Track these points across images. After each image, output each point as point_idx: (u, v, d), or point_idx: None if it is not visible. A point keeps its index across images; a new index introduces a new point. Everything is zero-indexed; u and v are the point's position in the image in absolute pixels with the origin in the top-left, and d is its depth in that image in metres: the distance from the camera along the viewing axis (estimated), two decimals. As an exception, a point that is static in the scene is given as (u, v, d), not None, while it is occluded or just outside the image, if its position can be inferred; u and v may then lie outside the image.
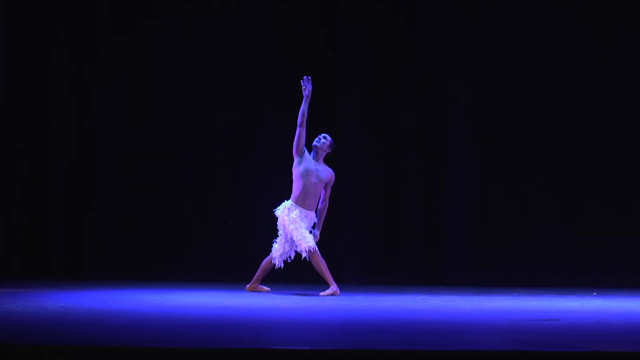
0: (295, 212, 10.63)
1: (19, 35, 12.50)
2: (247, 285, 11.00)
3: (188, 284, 11.77)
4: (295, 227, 10.57)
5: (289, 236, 10.64)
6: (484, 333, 7.60)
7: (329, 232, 11.77)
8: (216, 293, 10.81)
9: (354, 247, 12.40)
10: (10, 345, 6.47)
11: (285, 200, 10.73)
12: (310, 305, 9.63)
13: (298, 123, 10.56)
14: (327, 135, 10.79)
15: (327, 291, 10.54)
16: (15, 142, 12.53)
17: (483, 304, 9.93)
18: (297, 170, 10.62)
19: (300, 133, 10.57)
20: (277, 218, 10.73)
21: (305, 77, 10.56)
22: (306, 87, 10.54)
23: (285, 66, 12.44)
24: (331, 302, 9.93)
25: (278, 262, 10.75)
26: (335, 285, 10.57)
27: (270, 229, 10.90)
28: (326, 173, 10.76)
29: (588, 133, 12.16)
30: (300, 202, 10.66)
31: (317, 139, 10.76)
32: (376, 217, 12.39)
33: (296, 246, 10.64)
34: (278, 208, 10.74)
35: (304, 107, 10.56)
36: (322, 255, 10.59)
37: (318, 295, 10.52)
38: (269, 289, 10.95)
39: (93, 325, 7.87)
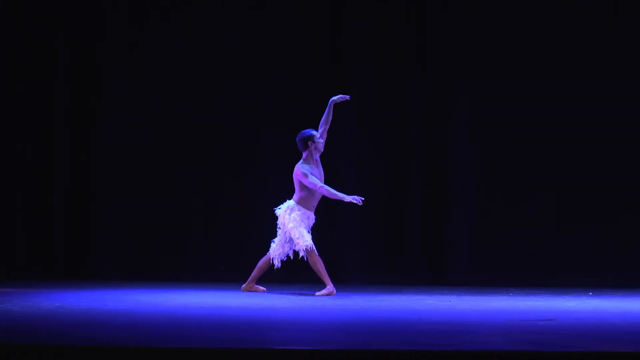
0: (297, 213, 10.63)
1: (19, 35, 12.49)
2: (243, 285, 11.00)
3: (185, 283, 11.76)
4: (294, 225, 10.58)
5: (288, 235, 10.65)
6: (483, 333, 7.61)
7: (329, 232, 11.79)
8: (213, 293, 10.81)
9: (353, 247, 12.40)
10: (5, 345, 6.47)
11: (288, 200, 10.74)
12: (307, 305, 9.64)
13: (320, 186, 10.51)
14: (314, 132, 10.73)
15: (323, 291, 10.55)
16: (17, 143, 12.53)
17: (481, 304, 9.94)
18: (305, 180, 10.58)
19: (316, 189, 10.56)
20: (277, 217, 10.73)
21: (360, 199, 10.42)
22: (352, 200, 10.40)
23: (285, 66, 12.45)
24: (329, 302, 9.93)
25: (277, 262, 10.76)
26: (332, 285, 10.57)
27: (268, 228, 10.90)
28: (322, 171, 10.79)
29: (588, 133, 12.16)
30: (304, 204, 10.66)
31: (315, 138, 10.69)
32: (376, 217, 12.39)
33: (294, 245, 10.65)
34: (280, 207, 10.74)
35: (335, 195, 10.47)
36: (321, 254, 10.60)
37: (314, 295, 10.53)
38: (264, 289, 10.96)
39: (90, 325, 7.88)
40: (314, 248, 10.55)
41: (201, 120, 12.53)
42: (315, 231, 10.77)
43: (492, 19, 12.35)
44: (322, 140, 10.70)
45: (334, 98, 10.77)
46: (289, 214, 10.63)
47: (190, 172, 12.53)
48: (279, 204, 10.79)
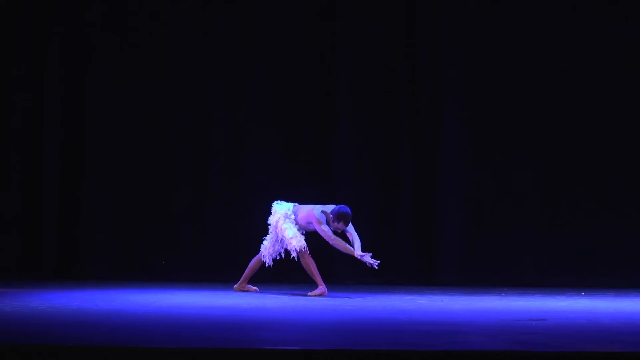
0: (292, 218, 10.60)
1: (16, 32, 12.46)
2: (235, 285, 10.99)
3: (177, 283, 11.75)
4: (288, 226, 10.55)
5: (279, 235, 10.62)
6: (475, 333, 7.62)
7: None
8: (205, 293, 10.79)
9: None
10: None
11: (291, 204, 10.66)
12: (299, 305, 9.64)
13: (333, 239, 10.30)
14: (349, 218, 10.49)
15: (316, 291, 10.54)
16: (9, 142, 12.50)
17: (472, 304, 9.95)
18: (317, 227, 10.39)
19: (328, 241, 10.38)
20: (270, 213, 10.68)
21: (375, 265, 10.18)
22: (363, 258, 10.19)
23: (280, 65, 12.42)
24: (321, 302, 9.93)
25: (268, 261, 10.74)
26: (324, 285, 10.56)
27: (260, 228, 10.88)
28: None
29: (584, 133, 12.20)
30: (301, 226, 10.60)
31: (344, 222, 10.42)
32: (368, 217, 12.39)
33: (286, 245, 10.62)
34: (280, 203, 10.69)
35: (346, 250, 10.28)
36: (313, 254, 10.58)
37: (306, 295, 10.52)
38: (257, 288, 10.95)
39: (81, 325, 7.87)
40: (307, 249, 10.53)
41: (193, 120, 12.51)
42: (308, 232, 10.75)
43: (491, 20, 12.39)
44: (344, 229, 10.47)
45: (361, 255, 10.24)
46: (284, 217, 10.59)
47: (183, 172, 12.51)
48: (271, 204, 10.75)
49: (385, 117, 12.47)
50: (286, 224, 10.56)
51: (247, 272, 10.90)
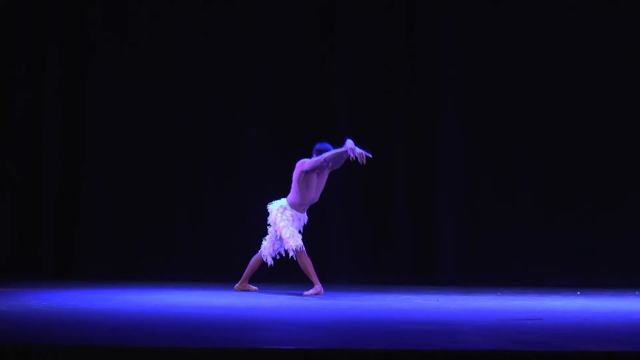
0: (289, 212, 10.62)
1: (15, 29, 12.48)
2: (236, 285, 11.01)
3: (176, 283, 11.77)
4: (285, 224, 10.57)
5: (278, 233, 10.64)
6: (471, 332, 7.63)
7: (317, 231, 11.80)
8: (204, 292, 10.81)
9: (341, 246, 12.41)
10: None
11: (283, 198, 10.70)
12: (296, 305, 9.64)
13: (321, 157, 10.28)
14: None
15: (311, 291, 10.54)
16: (8, 140, 12.51)
17: (469, 303, 9.96)
18: (304, 165, 10.40)
19: (321, 160, 10.33)
20: (268, 214, 10.70)
21: (364, 155, 10.13)
22: (352, 153, 10.12)
23: (284, 66, 12.44)
24: (317, 301, 9.94)
25: (269, 260, 10.75)
26: (320, 285, 10.56)
27: (259, 227, 10.90)
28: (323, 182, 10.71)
29: (584, 133, 12.22)
30: (297, 207, 10.62)
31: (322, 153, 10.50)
32: (364, 216, 12.41)
33: (284, 243, 10.63)
34: (273, 203, 10.71)
35: (335, 153, 10.23)
36: (309, 254, 10.59)
37: (302, 295, 10.53)
38: (256, 288, 10.96)
39: (78, 324, 7.87)
40: (304, 249, 10.54)
41: (193, 120, 12.53)
42: (304, 230, 10.77)
43: (490, 21, 12.42)
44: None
45: (351, 149, 10.15)
46: (281, 213, 10.61)
47: (183, 172, 12.52)
48: (271, 201, 10.77)
49: (385, 117, 12.49)
50: (283, 221, 10.57)
51: (248, 271, 10.91)
